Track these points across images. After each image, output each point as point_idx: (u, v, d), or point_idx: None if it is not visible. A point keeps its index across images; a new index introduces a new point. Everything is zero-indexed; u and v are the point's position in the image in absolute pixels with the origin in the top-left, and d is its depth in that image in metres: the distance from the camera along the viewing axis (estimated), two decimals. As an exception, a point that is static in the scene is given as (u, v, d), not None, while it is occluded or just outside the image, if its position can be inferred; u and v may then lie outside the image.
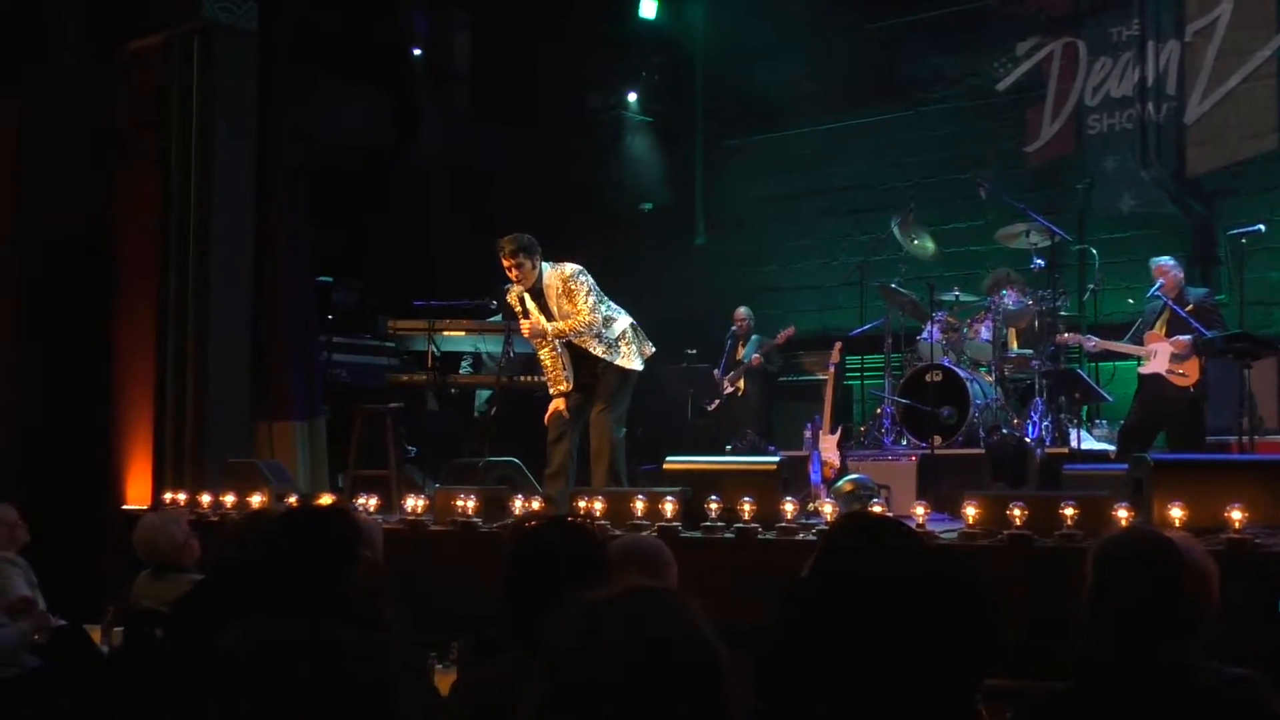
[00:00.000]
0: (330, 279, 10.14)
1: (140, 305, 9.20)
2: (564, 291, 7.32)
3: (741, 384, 10.72)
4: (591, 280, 7.41)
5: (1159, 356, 8.14)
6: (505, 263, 7.31)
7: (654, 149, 13.04)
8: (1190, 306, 8.19)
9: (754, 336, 10.94)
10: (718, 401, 10.82)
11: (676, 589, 1.59)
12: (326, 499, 7.30)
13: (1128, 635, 2.61)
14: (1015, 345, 9.21)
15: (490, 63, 12.67)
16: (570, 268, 7.37)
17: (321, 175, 9.94)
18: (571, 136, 12.73)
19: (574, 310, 7.30)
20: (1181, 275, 8.45)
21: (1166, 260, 8.43)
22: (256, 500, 7.32)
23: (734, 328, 11.11)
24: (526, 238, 7.32)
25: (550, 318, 7.41)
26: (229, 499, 7.72)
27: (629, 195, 12.86)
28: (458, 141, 12.54)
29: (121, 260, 9.38)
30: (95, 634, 5.43)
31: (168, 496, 8.20)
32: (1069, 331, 8.78)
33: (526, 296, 7.47)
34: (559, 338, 7.39)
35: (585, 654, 1.47)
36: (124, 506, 8.79)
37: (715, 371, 10.92)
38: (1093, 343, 8.52)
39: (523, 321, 7.50)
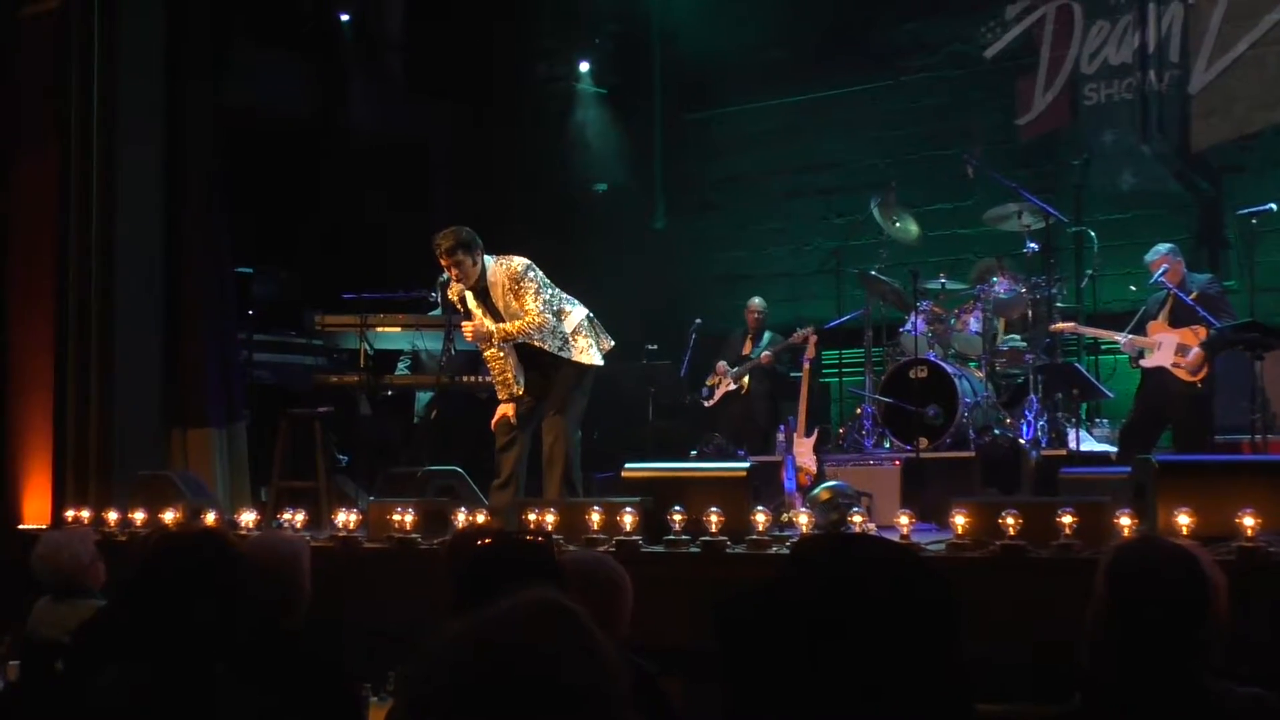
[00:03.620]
0: (251, 269, 10.05)
1: (37, 298, 9.08)
2: (511, 290, 7.28)
3: (745, 381, 10.67)
4: (542, 276, 7.37)
5: (1163, 349, 8.21)
6: (442, 262, 7.25)
7: (608, 124, 13.01)
8: (1194, 294, 8.26)
9: (767, 333, 10.90)
10: (716, 398, 10.76)
11: (580, 607, 1.61)
12: (210, 519, 7.26)
13: (1146, 656, 2.61)
14: (1004, 331, 9.27)
15: (427, 29, 12.60)
16: (518, 263, 7.32)
17: (240, 153, 9.85)
18: (517, 111, 12.69)
19: (522, 310, 7.27)
20: (1181, 261, 8.50)
21: (1163, 248, 8.48)
22: (170, 517, 7.25)
23: (705, 326, 11.08)
24: (465, 232, 7.26)
25: (496, 317, 7.38)
26: (139, 516, 7.64)
27: (581, 175, 12.85)
28: (391, 117, 12.48)
29: (15, 248, 9.27)
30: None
31: (70, 514, 8.11)
32: (1064, 321, 8.84)
33: (469, 295, 7.43)
34: (506, 340, 7.36)
35: (458, 674, 1.50)
36: (20, 526, 8.68)
37: (721, 363, 10.77)
38: (1124, 340, 8.46)
39: (465, 324, 7.46)
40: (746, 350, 10.85)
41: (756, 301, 11.00)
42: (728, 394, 10.71)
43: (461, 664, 1.50)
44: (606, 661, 1.57)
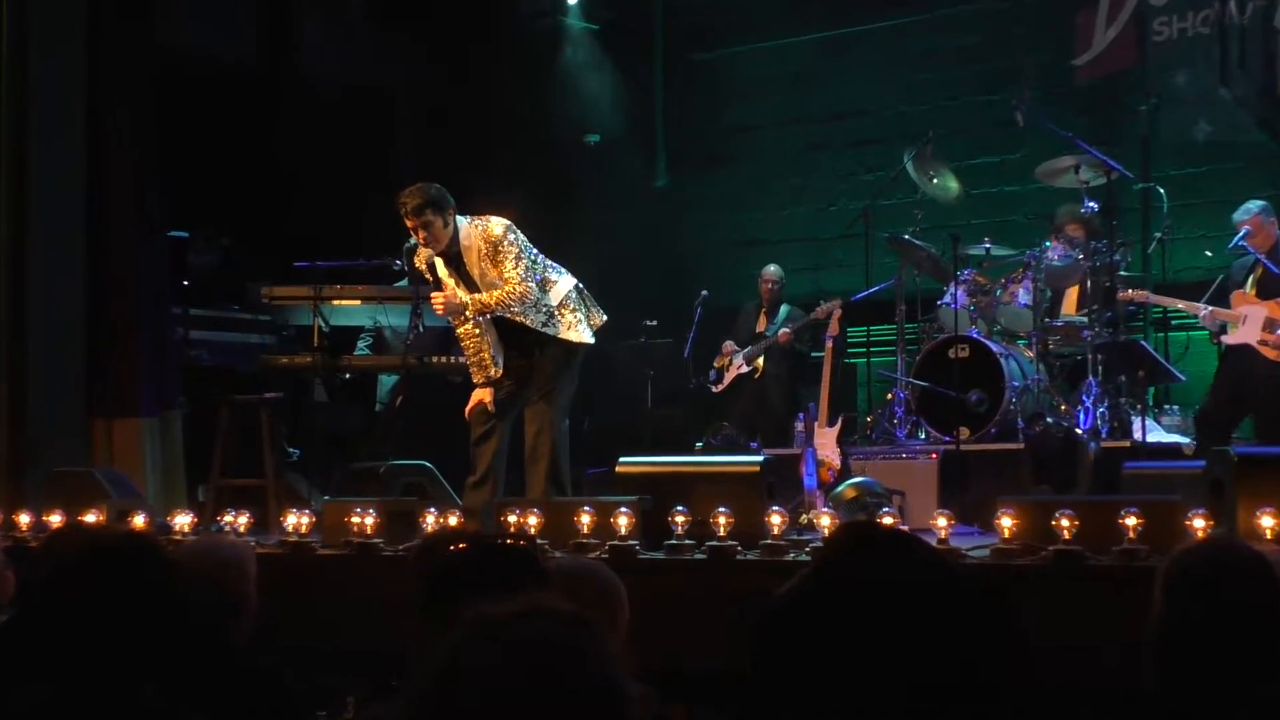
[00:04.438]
0: (186, 234, 10.03)
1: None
2: (488, 255, 7.27)
3: (760, 363, 10.65)
4: (523, 239, 7.37)
5: (1249, 323, 8.20)
6: (409, 223, 7.24)
7: (601, 65, 13.00)
8: (1286, 261, 8.26)
9: (784, 307, 10.88)
10: (726, 382, 10.75)
11: (592, 617, 1.65)
12: (139, 521, 7.26)
13: (1208, 672, 2.61)
14: (1075, 311, 9.23)
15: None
16: (496, 224, 7.31)
17: (176, 101, 9.83)
18: (496, 51, 12.66)
19: (501, 279, 7.26)
20: (1275, 223, 8.50)
21: (1254, 206, 8.49)
22: (91, 519, 7.24)
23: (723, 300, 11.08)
24: (435, 189, 7.24)
25: (471, 287, 7.37)
26: (55, 519, 7.62)
27: (570, 125, 12.83)
28: (350, 58, 12.45)
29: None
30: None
31: (-25, 517, 8.12)
32: (1132, 290, 8.82)
33: (439, 262, 7.42)
34: (482, 314, 7.35)
35: (459, 677, 1.54)
36: (-82, 531, 8.68)
37: (729, 343, 10.77)
38: (1205, 312, 8.47)
39: (435, 296, 7.45)
40: (761, 327, 10.84)
41: (772, 270, 10.98)
42: (739, 377, 10.71)
43: (483, 667, 1.54)
44: (620, 665, 1.60)
